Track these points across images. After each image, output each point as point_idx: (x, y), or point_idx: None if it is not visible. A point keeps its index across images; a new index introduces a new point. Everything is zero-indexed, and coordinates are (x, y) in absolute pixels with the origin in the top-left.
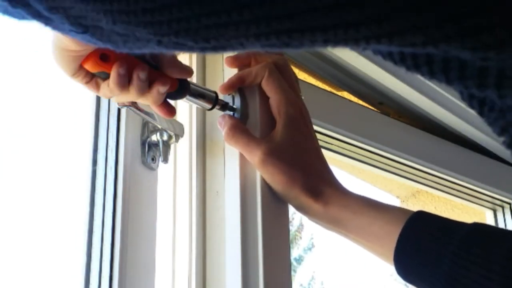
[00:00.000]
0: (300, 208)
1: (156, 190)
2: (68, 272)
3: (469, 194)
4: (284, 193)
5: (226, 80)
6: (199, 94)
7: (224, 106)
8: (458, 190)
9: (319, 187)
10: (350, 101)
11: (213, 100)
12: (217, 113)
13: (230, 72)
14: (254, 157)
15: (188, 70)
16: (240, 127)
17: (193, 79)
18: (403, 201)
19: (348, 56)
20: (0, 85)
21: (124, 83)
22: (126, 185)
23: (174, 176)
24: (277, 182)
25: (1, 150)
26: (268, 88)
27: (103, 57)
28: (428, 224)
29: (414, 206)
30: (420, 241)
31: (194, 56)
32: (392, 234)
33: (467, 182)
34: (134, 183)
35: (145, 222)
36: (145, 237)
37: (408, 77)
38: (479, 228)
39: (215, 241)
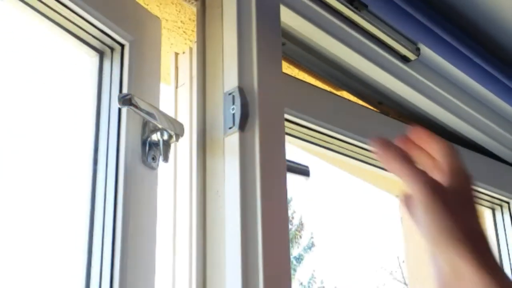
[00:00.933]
0: (451, 268)
1: (156, 189)
2: (68, 271)
3: None
4: (445, 247)
5: (225, 79)
6: None
7: None
8: None
9: (485, 254)
10: (350, 101)
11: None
12: (217, 113)
13: (230, 73)
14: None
15: None
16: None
17: (193, 79)
18: None
19: (348, 56)
20: (1, 85)
21: None
22: (126, 184)
23: (175, 176)
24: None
25: (2, 150)
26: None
27: None
28: None
29: None
30: None
31: (194, 56)
32: None
33: None
34: (135, 182)
35: (146, 221)
36: (145, 236)
37: (408, 77)
38: None
39: (215, 241)
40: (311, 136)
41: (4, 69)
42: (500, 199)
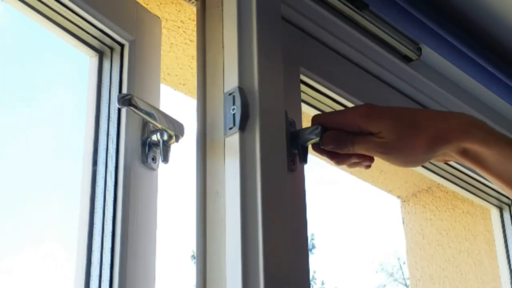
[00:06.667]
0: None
1: (156, 190)
2: (68, 272)
3: (476, 188)
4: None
5: (225, 79)
6: None
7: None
8: (466, 182)
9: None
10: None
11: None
12: (217, 113)
13: (231, 73)
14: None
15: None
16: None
17: (193, 79)
18: (404, 201)
19: (349, 56)
20: (1, 86)
21: None
22: (126, 185)
23: (174, 176)
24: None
25: (2, 151)
26: None
27: None
28: None
29: (415, 205)
30: None
31: (194, 55)
32: None
33: (476, 173)
34: (135, 183)
35: (146, 222)
36: (145, 237)
37: (409, 77)
38: None
39: (215, 241)
40: (325, 104)
41: (3, 69)
42: (508, 198)
